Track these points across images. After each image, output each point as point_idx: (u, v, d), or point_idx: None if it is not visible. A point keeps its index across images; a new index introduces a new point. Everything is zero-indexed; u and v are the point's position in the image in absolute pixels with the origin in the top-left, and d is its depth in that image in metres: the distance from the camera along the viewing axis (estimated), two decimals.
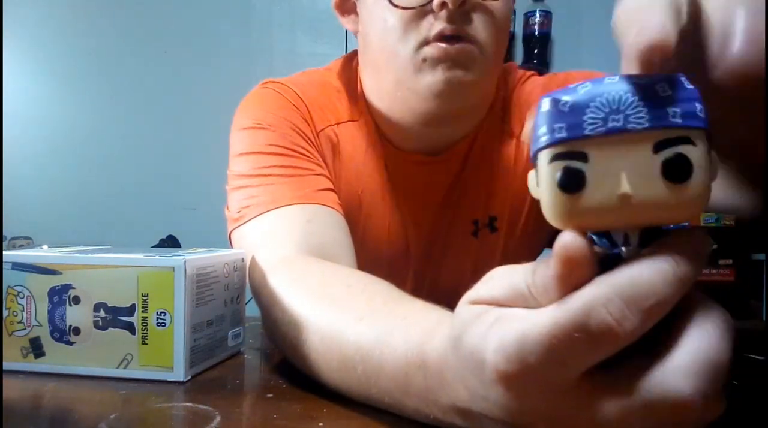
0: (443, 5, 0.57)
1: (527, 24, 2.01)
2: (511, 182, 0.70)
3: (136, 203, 2.10)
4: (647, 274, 0.23)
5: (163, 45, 2.14)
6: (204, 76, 2.13)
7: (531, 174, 0.26)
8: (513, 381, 0.25)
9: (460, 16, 0.58)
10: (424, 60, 0.59)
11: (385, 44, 0.62)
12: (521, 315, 0.25)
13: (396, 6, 0.59)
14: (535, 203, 0.28)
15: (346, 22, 0.69)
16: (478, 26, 0.60)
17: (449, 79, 0.59)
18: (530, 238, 0.73)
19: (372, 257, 0.68)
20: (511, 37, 2.04)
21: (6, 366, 0.47)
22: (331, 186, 0.64)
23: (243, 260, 0.55)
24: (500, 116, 0.71)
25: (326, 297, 0.45)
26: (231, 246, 0.62)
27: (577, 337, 0.23)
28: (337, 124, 0.69)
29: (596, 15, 2.11)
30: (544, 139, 0.24)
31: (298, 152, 0.64)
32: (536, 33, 2.00)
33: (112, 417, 0.37)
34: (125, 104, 2.13)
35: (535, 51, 2.00)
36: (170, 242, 1.92)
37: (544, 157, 0.24)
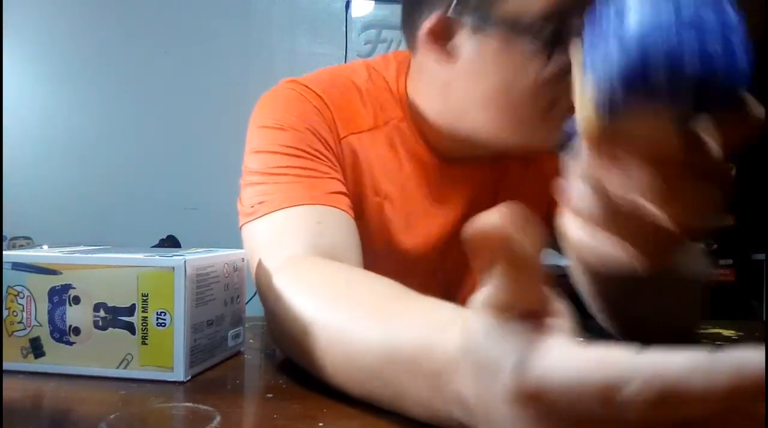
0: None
1: None
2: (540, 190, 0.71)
3: (136, 203, 2.10)
4: (693, 377, 0.22)
5: (163, 45, 2.14)
6: (204, 76, 2.13)
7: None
8: (521, 401, 0.24)
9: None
10: (551, 120, 0.59)
11: (511, 91, 0.61)
12: (561, 349, 0.25)
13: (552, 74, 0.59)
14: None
15: (439, 53, 0.65)
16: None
17: (553, 142, 0.57)
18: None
19: (392, 261, 0.69)
20: None
21: (6, 366, 0.47)
22: (345, 190, 0.64)
23: (243, 260, 0.55)
24: None
25: (332, 295, 0.45)
26: (241, 240, 0.63)
27: (597, 398, 0.23)
28: (359, 132, 0.69)
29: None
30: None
31: (314, 155, 0.64)
32: None
33: (112, 417, 0.37)
34: (125, 104, 2.13)
35: None
36: (170, 242, 1.92)
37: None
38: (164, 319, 0.45)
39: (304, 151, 0.64)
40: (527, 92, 0.60)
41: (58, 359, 0.47)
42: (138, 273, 0.45)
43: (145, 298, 0.45)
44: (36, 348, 0.47)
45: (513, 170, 0.72)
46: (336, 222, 0.60)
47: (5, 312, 0.48)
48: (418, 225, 0.71)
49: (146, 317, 0.45)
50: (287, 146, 0.64)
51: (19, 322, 0.47)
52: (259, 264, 0.54)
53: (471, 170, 0.71)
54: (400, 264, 0.70)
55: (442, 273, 0.74)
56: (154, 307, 0.45)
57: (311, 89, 0.68)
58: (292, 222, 0.58)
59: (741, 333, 0.66)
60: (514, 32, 0.59)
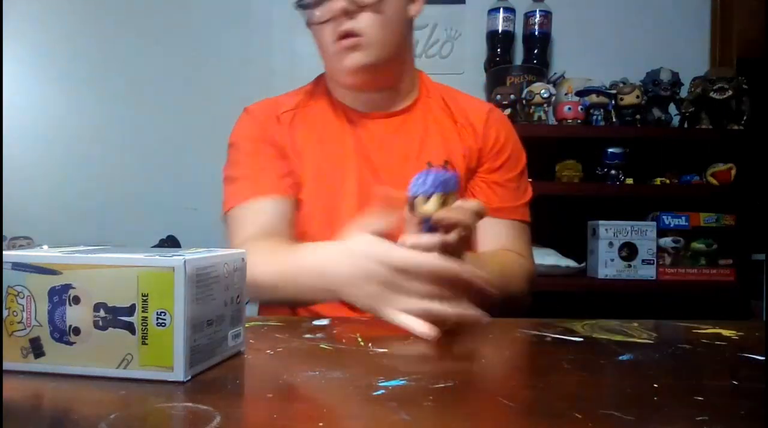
0: (336, 17, 0.90)
1: (527, 24, 2.01)
2: (454, 142, 1.00)
3: (136, 203, 2.10)
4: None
5: (163, 45, 2.14)
6: (204, 77, 2.13)
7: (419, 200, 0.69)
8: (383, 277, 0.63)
9: (348, 21, 0.90)
10: (340, 50, 0.91)
11: (319, 44, 0.95)
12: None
13: (315, 24, 0.93)
14: (468, 156, 0.99)
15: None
16: (362, 23, 0.90)
17: (353, 62, 0.92)
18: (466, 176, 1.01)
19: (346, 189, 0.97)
20: (511, 37, 2.04)
21: (6, 366, 0.47)
22: (286, 171, 0.96)
23: (243, 260, 0.55)
24: (443, 103, 1.03)
25: (273, 259, 0.81)
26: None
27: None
28: (288, 110, 1.01)
29: (596, 15, 2.11)
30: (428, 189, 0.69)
31: (257, 153, 0.97)
32: (536, 33, 2.00)
33: (112, 417, 0.37)
34: (125, 105, 2.13)
35: (535, 51, 2.00)
36: (170, 242, 1.92)
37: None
38: (164, 319, 0.45)
39: (250, 154, 0.98)
40: (320, 38, 0.94)
41: (58, 359, 0.47)
42: (138, 273, 0.45)
43: (145, 298, 0.45)
44: (36, 348, 0.47)
45: (404, 124, 1.00)
46: (272, 208, 0.94)
47: (5, 312, 0.48)
48: (353, 165, 0.97)
49: (146, 317, 0.45)
50: (239, 155, 0.99)
51: (19, 322, 0.47)
52: (232, 241, 0.94)
53: (378, 120, 0.99)
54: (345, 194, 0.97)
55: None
56: (154, 307, 0.45)
57: (251, 107, 1.02)
58: (242, 215, 0.95)
59: (741, 333, 0.66)
60: (296, 6, 0.94)
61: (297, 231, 0.96)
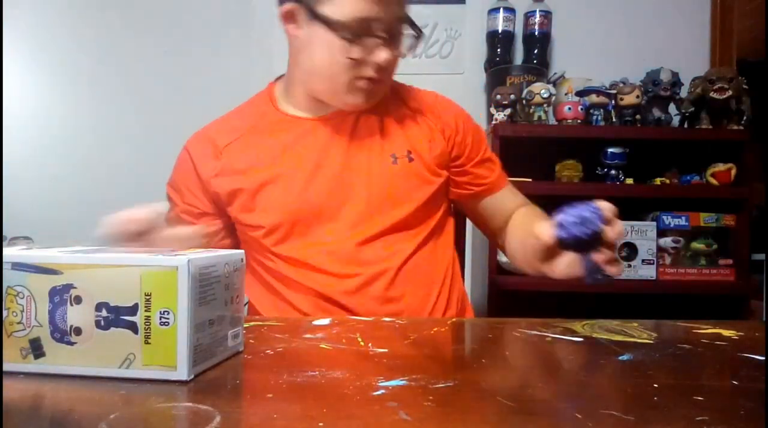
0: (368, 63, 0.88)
1: (527, 24, 2.01)
2: (414, 128, 0.98)
3: (136, 203, 2.10)
4: None
5: (163, 45, 2.14)
6: (204, 77, 2.13)
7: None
8: None
9: (380, 70, 0.89)
10: (356, 88, 0.90)
11: (329, 65, 0.89)
12: None
13: (347, 58, 0.87)
14: (434, 146, 0.97)
15: (291, 29, 0.92)
16: (388, 70, 0.92)
17: (365, 103, 0.93)
18: (435, 167, 0.98)
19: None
20: (511, 37, 2.04)
21: (6, 367, 0.47)
22: (198, 210, 0.98)
23: (242, 260, 0.55)
24: (399, 98, 1.01)
25: None
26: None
27: None
28: (235, 140, 0.98)
29: (596, 15, 2.11)
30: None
31: (179, 202, 0.99)
32: (536, 33, 1.99)
33: (112, 417, 0.37)
34: (125, 104, 2.13)
35: (535, 51, 2.00)
36: None
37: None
38: (167, 318, 0.45)
39: (172, 201, 1.00)
40: (339, 68, 0.88)
41: (58, 359, 0.47)
42: (141, 272, 0.45)
43: (148, 297, 0.45)
44: (36, 349, 0.47)
45: (359, 122, 0.97)
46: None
47: (5, 313, 0.48)
48: (316, 170, 0.94)
49: (149, 316, 0.45)
50: (170, 208, 1.00)
51: (19, 323, 0.47)
52: None
53: (333, 123, 0.96)
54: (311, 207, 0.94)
55: (355, 187, 0.96)
56: (157, 306, 0.45)
57: (186, 145, 1.04)
58: None
59: (741, 333, 0.66)
60: (329, 27, 0.86)
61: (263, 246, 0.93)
